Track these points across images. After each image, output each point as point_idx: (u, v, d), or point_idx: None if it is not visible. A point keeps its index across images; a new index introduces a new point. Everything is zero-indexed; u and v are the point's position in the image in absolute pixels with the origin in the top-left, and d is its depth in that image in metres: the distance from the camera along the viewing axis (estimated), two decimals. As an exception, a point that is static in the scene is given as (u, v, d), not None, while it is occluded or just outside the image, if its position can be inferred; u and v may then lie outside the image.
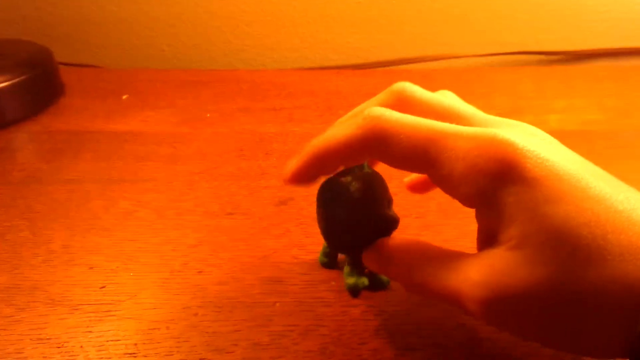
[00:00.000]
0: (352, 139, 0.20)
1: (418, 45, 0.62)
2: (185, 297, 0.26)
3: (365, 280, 0.26)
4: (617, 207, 0.17)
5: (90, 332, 0.25)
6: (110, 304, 0.26)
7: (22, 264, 0.29)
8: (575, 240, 0.16)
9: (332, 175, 0.24)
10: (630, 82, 0.52)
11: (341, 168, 0.23)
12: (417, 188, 0.27)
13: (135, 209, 0.34)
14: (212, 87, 0.52)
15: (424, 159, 0.19)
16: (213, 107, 0.48)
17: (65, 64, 0.57)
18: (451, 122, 0.20)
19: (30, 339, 0.24)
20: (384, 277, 0.27)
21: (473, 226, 0.21)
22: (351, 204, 0.23)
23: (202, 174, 0.38)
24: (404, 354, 0.23)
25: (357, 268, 0.26)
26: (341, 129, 0.21)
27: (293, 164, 0.22)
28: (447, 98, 0.22)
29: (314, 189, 0.24)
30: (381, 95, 0.23)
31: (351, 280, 0.26)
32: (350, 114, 0.24)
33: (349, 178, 0.23)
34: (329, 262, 0.28)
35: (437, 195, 0.21)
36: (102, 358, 0.23)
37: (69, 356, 0.23)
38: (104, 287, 0.27)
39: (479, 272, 0.18)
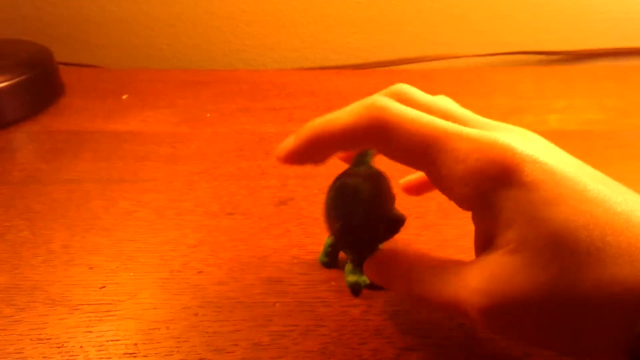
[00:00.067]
0: (354, 125, 0.20)
1: (418, 45, 0.62)
2: (185, 297, 0.26)
3: (366, 279, 0.26)
4: (615, 209, 0.17)
5: (90, 332, 0.25)
6: (110, 304, 0.26)
7: (22, 264, 0.29)
8: (574, 242, 0.16)
9: (340, 174, 0.24)
10: (630, 82, 0.52)
11: (338, 154, 0.22)
12: (413, 190, 0.27)
13: (135, 209, 0.34)
14: (212, 87, 0.52)
15: (425, 156, 0.19)
16: (213, 107, 0.48)
17: (65, 64, 0.57)
18: None
19: (30, 339, 0.24)
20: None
21: (473, 226, 0.21)
22: (365, 204, 0.23)
23: (202, 174, 0.38)
24: (404, 354, 0.23)
25: (360, 266, 0.26)
26: (344, 113, 0.20)
27: (290, 142, 0.21)
28: (444, 101, 0.22)
29: (314, 189, 0.24)
30: (380, 95, 0.23)
31: (353, 279, 0.26)
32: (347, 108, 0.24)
33: (360, 178, 0.23)
34: (330, 261, 0.28)
35: (437, 195, 0.21)
36: (102, 358, 0.23)
37: (69, 356, 0.23)
38: (103, 287, 0.27)
39: (478, 279, 0.18)
